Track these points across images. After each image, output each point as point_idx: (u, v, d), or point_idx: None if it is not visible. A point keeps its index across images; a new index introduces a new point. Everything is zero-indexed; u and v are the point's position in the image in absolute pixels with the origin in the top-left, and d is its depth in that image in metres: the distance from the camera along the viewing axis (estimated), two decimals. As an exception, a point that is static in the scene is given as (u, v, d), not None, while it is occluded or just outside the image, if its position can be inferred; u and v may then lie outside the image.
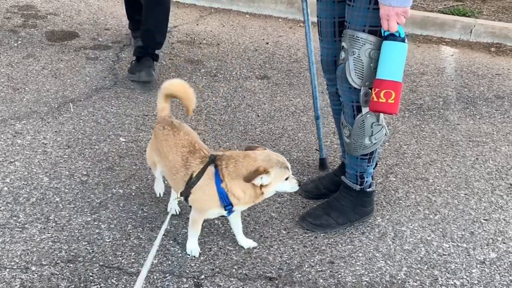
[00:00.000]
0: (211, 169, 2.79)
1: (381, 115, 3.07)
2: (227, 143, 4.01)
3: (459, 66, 5.74)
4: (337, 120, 3.43)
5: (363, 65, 2.92)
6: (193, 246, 3.02)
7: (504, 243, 3.29)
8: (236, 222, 3.07)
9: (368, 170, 3.25)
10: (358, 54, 2.91)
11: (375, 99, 2.83)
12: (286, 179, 2.81)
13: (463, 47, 6.25)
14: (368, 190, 3.32)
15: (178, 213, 3.22)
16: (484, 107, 4.95)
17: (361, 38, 2.89)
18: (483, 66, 5.78)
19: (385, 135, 3.17)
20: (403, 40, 2.80)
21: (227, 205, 2.80)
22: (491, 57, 6.05)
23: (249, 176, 2.71)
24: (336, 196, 3.35)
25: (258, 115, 4.43)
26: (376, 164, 3.34)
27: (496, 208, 3.59)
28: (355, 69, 2.94)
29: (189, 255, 3.00)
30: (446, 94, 5.11)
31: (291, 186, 2.86)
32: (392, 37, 2.79)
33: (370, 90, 2.94)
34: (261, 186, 2.75)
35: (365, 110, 3.02)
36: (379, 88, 2.81)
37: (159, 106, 3.12)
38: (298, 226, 3.28)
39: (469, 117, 4.75)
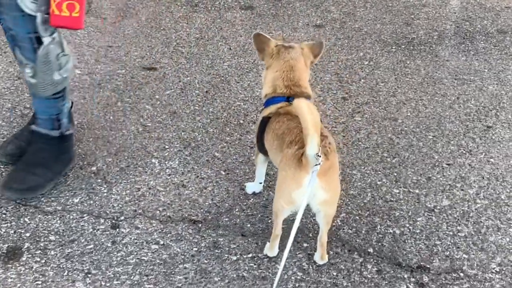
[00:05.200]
0: None
1: (65, 43, 2.67)
2: (188, 78, 3.82)
3: (466, -2, 5.36)
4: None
5: None
6: None
7: (462, 190, 3.06)
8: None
9: (63, 110, 2.85)
10: None
11: (57, 12, 2.44)
12: None
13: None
14: (66, 133, 2.93)
15: None
16: (482, 42, 4.61)
17: None
18: (493, -2, 5.38)
19: (73, 65, 2.77)
20: None
21: None
22: (504, -12, 5.62)
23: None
24: (33, 150, 2.88)
25: (230, 48, 4.22)
26: (72, 104, 3.04)
27: (464, 152, 3.34)
28: None
29: None
30: (443, 28, 4.79)
31: None
32: None
33: (47, 15, 2.51)
34: None
35: (47, 40, 2.59)
36: None
37: None
38: (240, 167, 3.10)
39: (462, 52, 4.43)
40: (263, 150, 2.67)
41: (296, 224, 2.17)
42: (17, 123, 3.31)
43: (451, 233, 2.80)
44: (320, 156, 2.19)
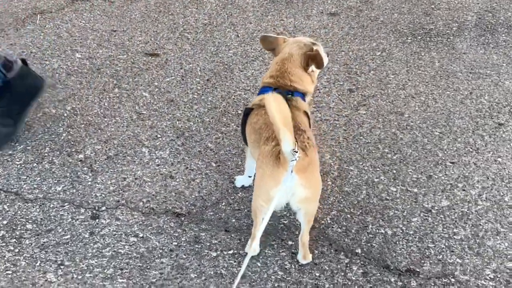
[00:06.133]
0: None
1: None
2: (190, 65, 3.72)
3: (491, -12, 5.15)
4: None
5: None
6: None
7: (464, 190, 2.90)
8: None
9: None
10: None
11: None
12: None
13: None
14: None
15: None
16: (503, 35, 4.41)
17: None
18: (520, -11, 5.15)
19: None
20: None
21: None
22: (533, -21, 5.38)
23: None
24: None
25: (238, 35, 4.10)
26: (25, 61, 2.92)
27: (471, 150, 3.18)
28: None
29: None
30: (463, 19, 4.59)
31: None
32: None
33: None
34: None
35: None
36: None
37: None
38: (232, 159, 2.99)
39: (481, 45, 4.24)
40: (247, 142, 2.56)
41: (265, 222, 2.07)
42: (10, 107, 3.24)
43: (446, 235, 2.66)
44: (297, 152, 2.07)
